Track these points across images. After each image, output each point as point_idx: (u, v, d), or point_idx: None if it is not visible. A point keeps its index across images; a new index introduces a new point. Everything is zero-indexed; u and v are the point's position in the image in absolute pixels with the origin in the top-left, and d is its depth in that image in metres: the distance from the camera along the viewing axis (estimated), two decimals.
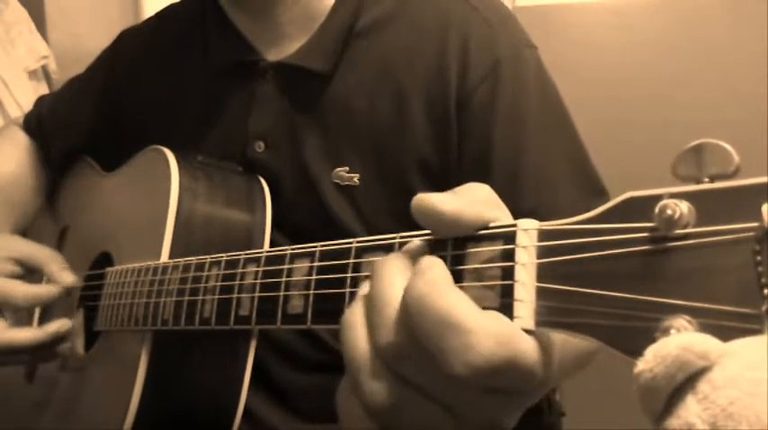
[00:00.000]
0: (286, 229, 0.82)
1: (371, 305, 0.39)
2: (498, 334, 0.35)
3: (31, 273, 0.89)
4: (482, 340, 0.34)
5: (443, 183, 0.74)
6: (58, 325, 0.85)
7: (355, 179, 0.80)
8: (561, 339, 0.37)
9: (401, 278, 0.39)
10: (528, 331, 0.36)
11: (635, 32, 1.76)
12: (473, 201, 0.40)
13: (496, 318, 0.36)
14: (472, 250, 0.39)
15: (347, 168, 0.80)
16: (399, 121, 0.79)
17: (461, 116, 0.77)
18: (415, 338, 0.36)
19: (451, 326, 0.35)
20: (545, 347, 0.37)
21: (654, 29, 1.75)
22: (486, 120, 0.77)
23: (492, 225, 0.40)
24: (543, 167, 0.77)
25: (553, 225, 0.37)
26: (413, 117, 0.78)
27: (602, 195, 0.79)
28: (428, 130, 0.78)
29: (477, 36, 0.79)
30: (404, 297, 0.37)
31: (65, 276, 0.87)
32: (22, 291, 0.85)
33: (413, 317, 0.36)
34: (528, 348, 0.35)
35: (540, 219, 0.81)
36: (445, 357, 0.35)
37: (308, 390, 0.82)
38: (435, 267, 0.37)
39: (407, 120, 0.78)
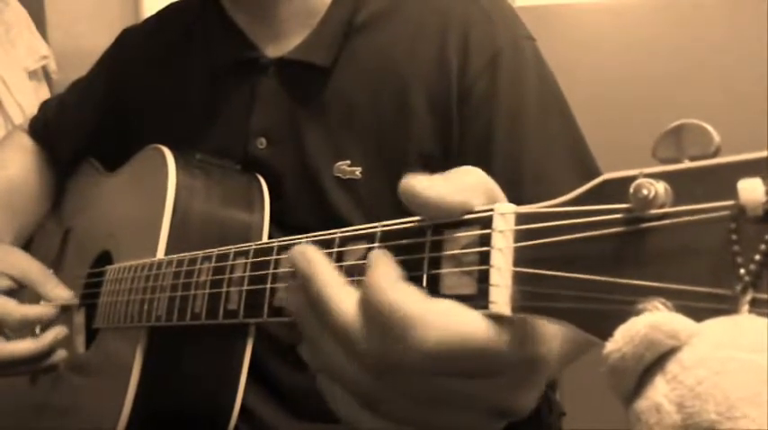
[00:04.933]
0: (288, 227, 0.81)
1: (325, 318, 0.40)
2: (441, 323, 0.36)
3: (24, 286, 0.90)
4: (428, 332, 0.35)
5: None
6: (55, 333, 0.85)
7: (357, 172, 0.79)
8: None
9: (341, 290, 0.40)
10: (503, 317, 0.36)
11: (635, 32, 1.75)
12: (459, 188, 0.40)
13: (441, 305, 0.37)
14: (451, 236, 0.39)
15: (349, 162, 0.80)
16: (401, 114, 0.79)
17: (462, 108, 0.77)
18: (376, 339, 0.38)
19: (398, 321, 0.36)
20: (515, 326, 0.37)
21: (654, 29, 1.74)
22: (486, 112, 0.77)
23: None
24: (543, 158, 0.77)
25: (530, 208, 0.36)
26: (414, 110, 0.78)
27: None
28: (430, 123, 0.78)
29: (476, 28, 0.79)
30: (360, 303, 0.39)
31: (59, 293, 0.88)
32: (20, 312, 0.85)
33: (371, 320, 0.38)
34: (475, 330, 0.36)
35: None
36: (401, 351, 0.36)
37: (307, 390, 0.81)
38: (379, 265, 0.39)
39: (409, 113, 0.78)
